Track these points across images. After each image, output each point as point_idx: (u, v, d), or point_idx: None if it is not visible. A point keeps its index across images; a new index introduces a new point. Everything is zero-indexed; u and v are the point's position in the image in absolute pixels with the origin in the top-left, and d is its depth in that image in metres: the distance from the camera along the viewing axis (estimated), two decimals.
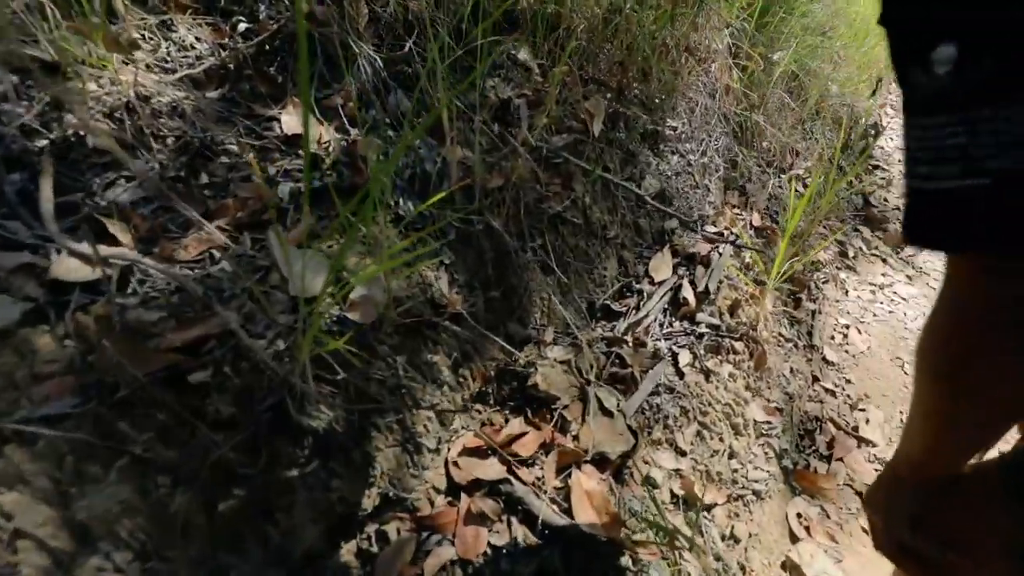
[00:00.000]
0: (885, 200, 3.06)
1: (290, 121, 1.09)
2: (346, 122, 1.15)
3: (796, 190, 2.17)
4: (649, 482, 1.07)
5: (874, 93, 3.04)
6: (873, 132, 3.45)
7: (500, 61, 1.55)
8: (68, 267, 0.67)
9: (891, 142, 3.86)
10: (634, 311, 1.40)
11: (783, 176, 2.48)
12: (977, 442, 0.51)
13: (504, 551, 0.89)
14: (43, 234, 0.70)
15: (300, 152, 1.07)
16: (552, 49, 1.58)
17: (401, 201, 1.06)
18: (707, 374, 1.33)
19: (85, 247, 0.68)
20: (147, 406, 0.61)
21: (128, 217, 0.81)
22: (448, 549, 0.88)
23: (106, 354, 0.59)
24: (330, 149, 1.10)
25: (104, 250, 0.70)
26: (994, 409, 0.46)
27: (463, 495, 0.93)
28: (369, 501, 0.86)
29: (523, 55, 1.59)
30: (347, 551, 0.84)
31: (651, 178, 1.71)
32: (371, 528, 0.88)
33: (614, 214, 1.56)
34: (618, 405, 1.10)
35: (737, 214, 1.94)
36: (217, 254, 0.81)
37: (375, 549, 0.87)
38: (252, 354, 0.69)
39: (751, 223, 2.01)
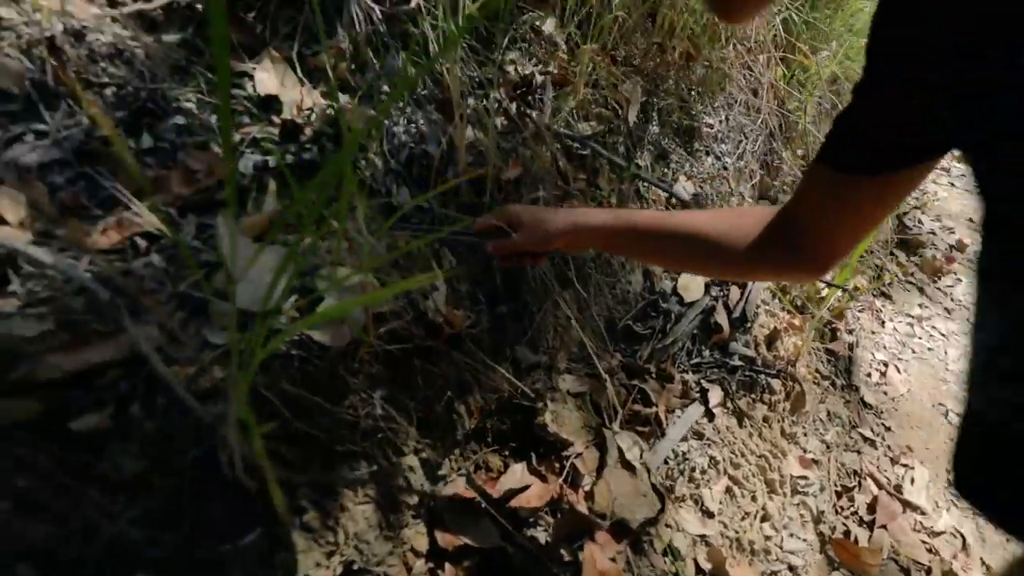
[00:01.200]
0: (920, 222, 2.90)
1: (266, 79, 0.90)
2: (335, 85, 0.96)
3: None
4: (672, 552, 0.90)
5: None
6: None
7: (522, 32, 1.36)
8: None
9: None
10: (659, 335, 1.23)
11: None
12: None
13: None
14: None
15: (275, 118, 0.88)
16: (582, 23, 1.39)
17: (395, 188, 0.87)
18: (740, 417, 1.16)
19: None
20: (2, 466, 0.43)
21: (30, 185, 0.62)
22: None
23: None
24: (312, 118, 0.92)
25: None
26: None
27: (448, 565, 0.76)
28: (327, 572, 0.68)
29: (548, 27, 1.41)
30: None
31: (684, 180, 1.54)
32: None
33: None
34: (641, 456, 0.93)
35: None
36: (144, 244, 0.63)
37: None
38: (173, 392, 0.51)
39: None
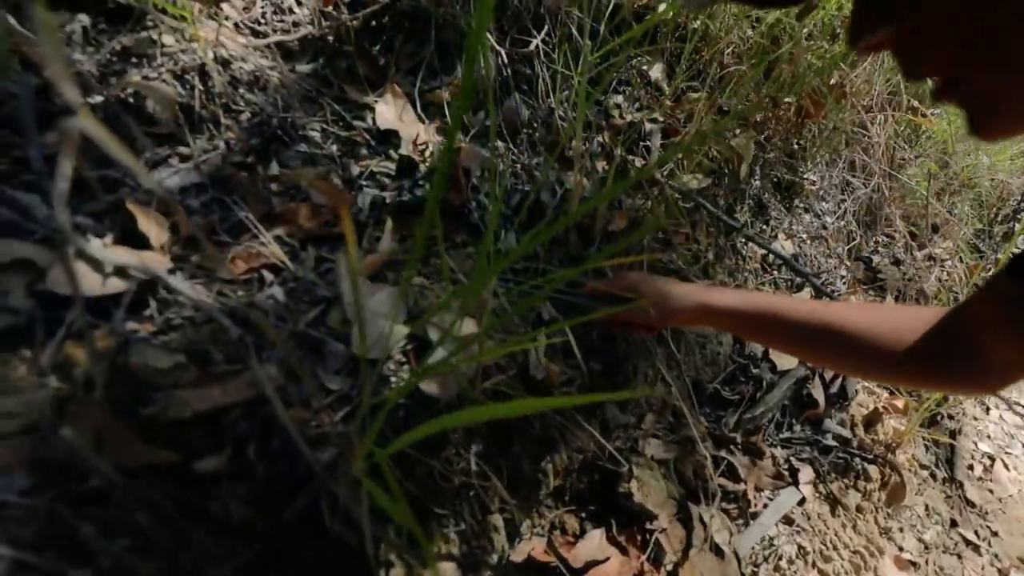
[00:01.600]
0: None
1: (386, 112, 0.91)
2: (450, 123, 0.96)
3: (940, 279, 1.84)
4: None
5: None
6: (1021, 217, 3.00)
7: (628, 76, 1.33)
8: (71, 273, 0.49)
9: None
10: (748, 403, 1.14)
11: (918, 254, 2.13)
12: None
13: None
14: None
15: (392, 152, 0.88)
16: (689, 71, 1.34)
17: (503, 233, 0.85)
18: (833, 504, 1.05)
19: (98, 248, 0.51)
20: (127, 503, 0.42)
21: (171, 208, 0.64)
22: None
23: (80, 422, 0.41)
24: (427, 153, 0.91)
25: (121, 255, 0.52)
26: None
27: None
28: None
29: (655, 73, 1.37)
30: None
31: (784, 239, 1.44)
32: None
33: (736, 276, 1.31)
34: (730, 539, 0.85)
35: (871, 296, 1.64)
36: (269, 276, 0.62)
37: None
38: (287, 436, 0.50)
39: None
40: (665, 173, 1.17)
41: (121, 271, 0.52)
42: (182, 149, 0.72)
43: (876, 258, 1.97)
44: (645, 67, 1.37)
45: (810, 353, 0.64)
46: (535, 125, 1.04)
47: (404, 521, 0.36)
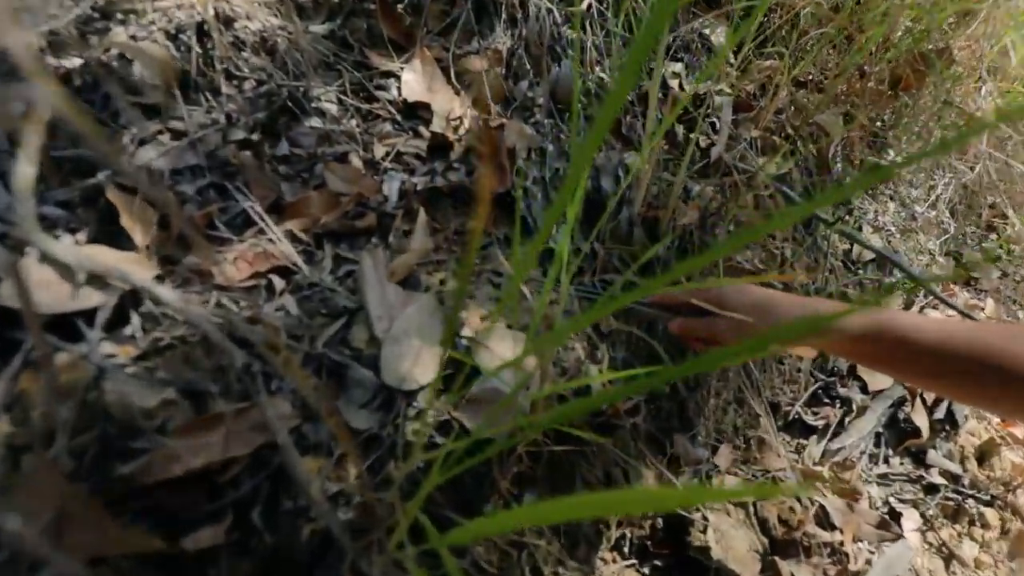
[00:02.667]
0: None
1: (414, 82, 0.82)
2: (488, 94, 0.87)
3: None
4: None
5: None
6: None
7: (687, 40, 1.22)
8: (22, 283, 0.41)
9: None
10: (834, 430, 1.04)
11: (1016, 248, 1.98)
12: None
13: None
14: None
15: (422, 129, 0.79)
16: (760, 36, 1.23)
17: (556, 227, 0.76)
18: (947, 558, 0.95)
19: (68, 248, 0.43)
20: None
21: (159, 198, 0.56)
22: None
23: (35, 499, 0.33)
24: (461, 130, 0.82)
25: (97, 257, 0.44)
26: None
27: None
28: None
29: (718, 38, 1.26)
30: None
31: (869, 231, 1.33)
32: None
33: (814, 275, 1.20)
34: None
35: (971, 300, 1.51)
36: (279, 282, 0.54)
37: None
38: (302, 494, 0.42)
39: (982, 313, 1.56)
40: (738, 156, 1.07)
41: (96, 279, 0.44)
42: (175, 123, 0.64)
43: (969, 253, 1.84)
44: (706, 30, 1.26)
45: (955, 390, 0.53)
46: (584, 98, 0.94)
47: None
